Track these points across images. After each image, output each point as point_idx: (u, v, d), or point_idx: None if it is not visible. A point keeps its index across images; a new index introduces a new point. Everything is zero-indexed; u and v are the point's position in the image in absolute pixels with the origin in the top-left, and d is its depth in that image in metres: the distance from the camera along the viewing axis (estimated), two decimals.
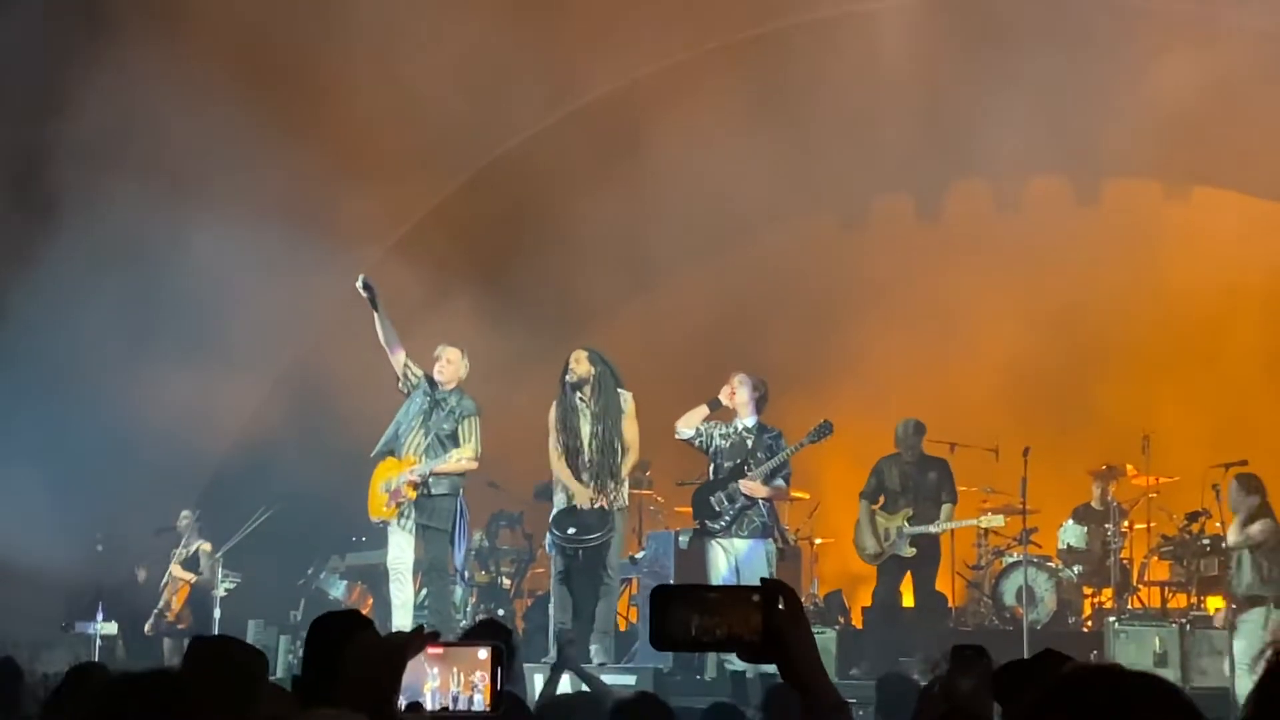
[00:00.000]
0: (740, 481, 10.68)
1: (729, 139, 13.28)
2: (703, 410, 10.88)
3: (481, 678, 2.56)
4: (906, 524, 11.70)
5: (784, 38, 14.05)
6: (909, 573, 11.93)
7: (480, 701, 2.58)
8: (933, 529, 11.76)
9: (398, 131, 13.23)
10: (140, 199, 12.50)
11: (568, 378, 10.81)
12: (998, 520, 12.31)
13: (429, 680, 2.55)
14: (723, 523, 10.67)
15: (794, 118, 13.08)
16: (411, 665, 2.50)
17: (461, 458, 10.77)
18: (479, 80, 13.17)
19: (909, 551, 11.73)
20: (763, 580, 2.36)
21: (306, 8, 12.47)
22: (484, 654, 2.58)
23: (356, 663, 2.45)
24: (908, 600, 12.15)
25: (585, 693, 8.09)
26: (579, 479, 10.71)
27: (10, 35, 11.98)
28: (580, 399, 10.82)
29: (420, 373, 11.08)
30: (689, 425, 10.91)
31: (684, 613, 2.30)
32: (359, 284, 10.87)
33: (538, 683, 9.41)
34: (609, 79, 14.42)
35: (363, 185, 13.59)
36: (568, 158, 13.95)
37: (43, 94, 12.54)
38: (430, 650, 2.54)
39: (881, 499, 12.06)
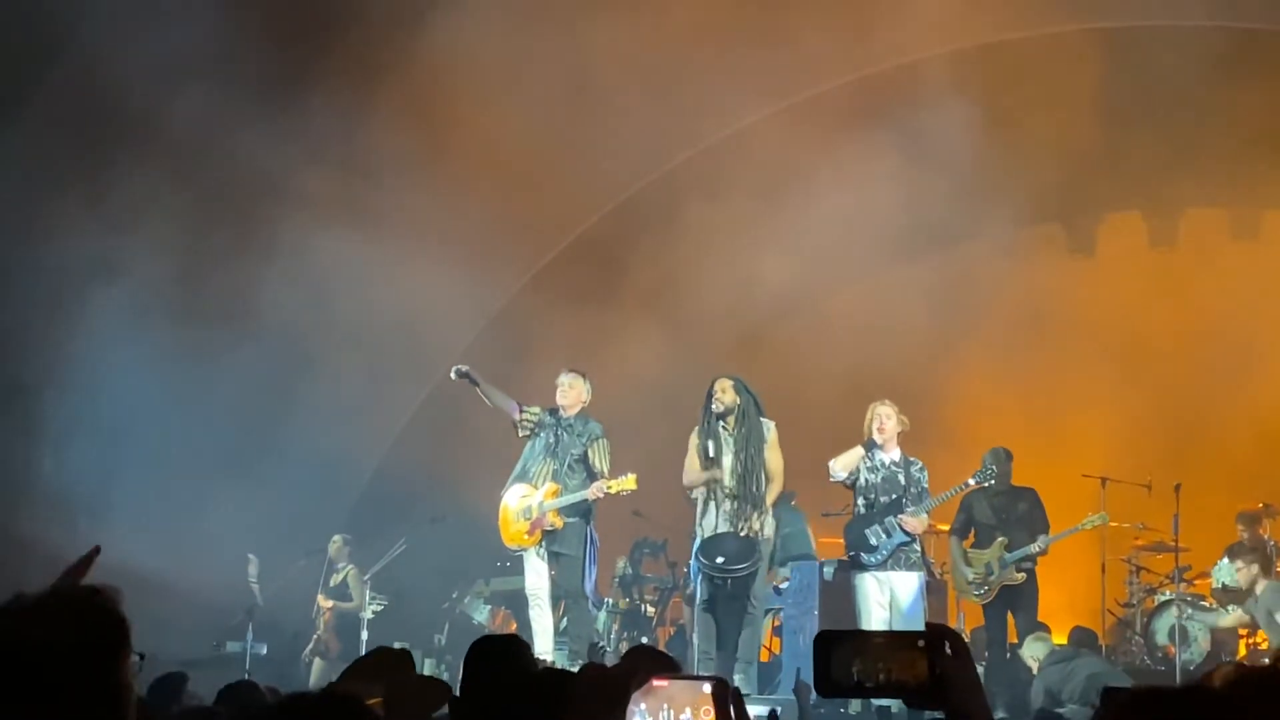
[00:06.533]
0: (900, 517, 10.57)
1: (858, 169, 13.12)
2: (858, 452, 10.72)
3: (706, 713, 2.50)
4: (1006, 553, 11.40)
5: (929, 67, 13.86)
6: (1008, 610, 11.57)
7: None
8: (1034, 548, 11.37)
9: (546, 160, 13.31)
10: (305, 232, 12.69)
11: (713, 406, 10.76)
12: (1098, 520, 11.84)
13: (637, 717, 2.50)
14: (879, 556, 10.56)
15: (948, 147, 12.87)
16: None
17: (624, 487, 10.62)
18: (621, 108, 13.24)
19: (1019, 578, 11.37)
20: (928, 625, 2.35)
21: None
22: (707, 689, 2.53)
23: (581, 695, 2.42)
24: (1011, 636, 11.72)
25: None
26: (720, 508, 10.68)
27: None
28: (724, 428, 10.78)
29: (537, 410, 11.11)
30: (845, 468, 10.77)
31: (849, 659, 2.29)
32: (453, 374, 11.05)
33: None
34: (772, 101, 14.38)
35: (508, 213, 13.73)
36: (721, 181, 13.95)
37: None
38: (656, 683, 2.50)
39: (973, 534, 11.78)
